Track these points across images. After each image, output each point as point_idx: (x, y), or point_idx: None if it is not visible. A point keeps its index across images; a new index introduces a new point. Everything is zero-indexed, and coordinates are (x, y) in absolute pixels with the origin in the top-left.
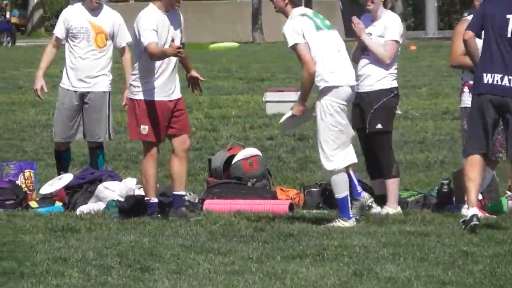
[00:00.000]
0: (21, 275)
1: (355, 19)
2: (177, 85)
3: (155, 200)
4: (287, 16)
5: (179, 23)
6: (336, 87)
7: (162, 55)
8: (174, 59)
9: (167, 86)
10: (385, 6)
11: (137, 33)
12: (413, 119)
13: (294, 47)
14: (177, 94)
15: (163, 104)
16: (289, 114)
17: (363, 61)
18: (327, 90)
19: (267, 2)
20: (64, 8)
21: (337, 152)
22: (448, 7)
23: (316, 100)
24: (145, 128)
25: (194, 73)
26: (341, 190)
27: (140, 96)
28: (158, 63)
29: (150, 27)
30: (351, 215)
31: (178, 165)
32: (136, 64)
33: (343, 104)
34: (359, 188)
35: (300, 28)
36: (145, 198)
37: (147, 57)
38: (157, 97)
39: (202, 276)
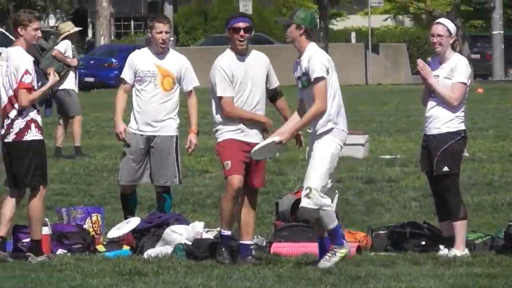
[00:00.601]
0: None
1: (420, 62)
2: (258, 131)
3: (228, 232)
4: (300, 47)
5: (262, 66)
6: (342, 130)
7: (235, 116)
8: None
9: (248, 128)
10: (453, 48)
11: (213, 82)
12: (480, 161)
13: (320, 79)
14: (256, 139)
15: (241, 144)
16: (269, 141)
17: (431, 103)
18: (335, 131)
19: (333, 46)
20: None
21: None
22: None
23: (316, 138)
24: (228, 164)
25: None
26: (333, 220)
27: (222, 138)
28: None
29: (225, 79)
30: (343, 241)
31: (246, 214)
32: (215, 110)
33: (342, 147)
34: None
35: (328, 64)
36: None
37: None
38: (236, 137)
39: None
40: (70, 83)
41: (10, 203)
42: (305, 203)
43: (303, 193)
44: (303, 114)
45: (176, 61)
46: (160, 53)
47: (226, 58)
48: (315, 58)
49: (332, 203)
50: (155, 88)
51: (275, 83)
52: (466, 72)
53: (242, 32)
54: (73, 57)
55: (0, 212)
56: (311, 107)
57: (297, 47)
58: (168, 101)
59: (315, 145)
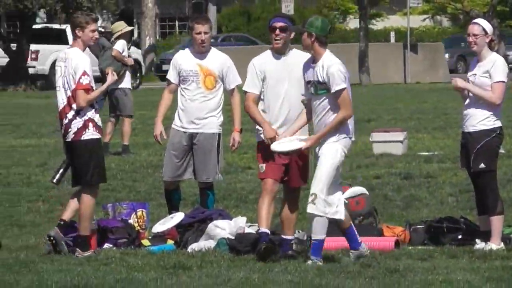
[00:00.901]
0: None
1: (454, 80)
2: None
3: (265, 230)
4: (315, 54)
5: (301, 64)
6: (349, 138)
7: (249, 113)
8: (287, 110)
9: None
10: (491, 48)
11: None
12: None
13: (342, 91)
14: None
15: None
16: (297, 146)
17: (467, 102)
18: (342, 139)
19: (373, 46)
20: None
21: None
22: None
23: (324, 141)
24: (262, 167)
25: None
26: (323, 232)
27: (259, 139)
28: (275, 110)
29: (254, 75)
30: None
31: (288, 210)
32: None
33: (346, 154)
34: (359, 239)
35: (345, 72)
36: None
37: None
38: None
39: None
40: (126, 82)
41: (78, 196)
42: (310, 209)
43: (309, 198)
44: (304, 119)
45: (218, 60)
46: (202, 53)
47: (262, 56)
48: (334, 70)
49: (339, 199)
50: (197, 87)
51: None
52: (503, 71)
53: (277, 31)
54: (128, 56)
55: (69, 200)
56: (338, 114)
57: (312, 54)
58: (211, 99)
59: (323, 150)
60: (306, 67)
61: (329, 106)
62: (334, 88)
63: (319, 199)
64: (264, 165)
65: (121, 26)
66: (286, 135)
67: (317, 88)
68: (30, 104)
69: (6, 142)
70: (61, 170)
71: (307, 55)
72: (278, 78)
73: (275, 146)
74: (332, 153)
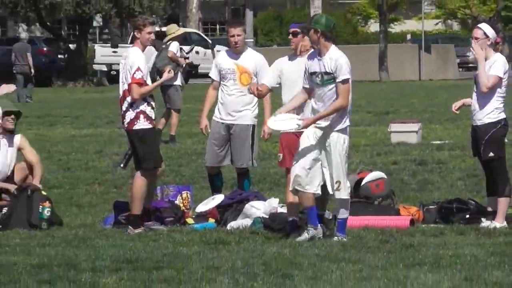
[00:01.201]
0: (179, 281)
1: (475, 46)
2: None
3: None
4: (321, 48)
5: (321, 65)
6: (349, 127)
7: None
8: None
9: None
10: (495, 49)
11: None
12: None
13: (347, 81)
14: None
15: (293, 136)
16: (292, 126)
17: (474, 97)
18: (347, 129)
19: (391, 47)
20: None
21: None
22: None
23: (330, 131)
24: (280, 156)
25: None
26: (346, 212)
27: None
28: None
29: (272, 70)
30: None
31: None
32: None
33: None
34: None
35: (349, 66)
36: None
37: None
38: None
39: (335, 282)
40: (178, 80)
41: (142, 181)
42: (339, 195)
43: (335, 186)
44: (300, 100)
45: (253, 59)
46: (238, 53)
47: (283, 57)
48: (343, 61)
49: (317, 185)
50: (234, 83)
51: None
52: (502, 68)
53: (290, 36)
54: (180, 57)
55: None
56: (336, 101)
57: (319, 48)
58: (246, 94)
59: (331, 141)
60: (311, 59)
61: (334, 96)
62: (341, 78)
63: (343, 184)
64: (281, 154)
65: (174, 29)
66: (282, 112)
67: (323, 78)
68: (87, 99)
69: (67, 132)
70: (126, 156)
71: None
72: (293, 78)
73: (271, 124)
74: (340, 144)
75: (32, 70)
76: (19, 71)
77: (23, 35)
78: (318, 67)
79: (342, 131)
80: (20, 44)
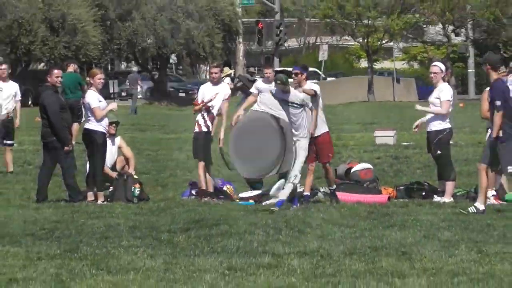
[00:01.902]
0: (231, 234)
1: (418, 107)
2: (318, 126)
3: (307, 193)
4: (301, 85)
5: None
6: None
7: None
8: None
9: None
10: (445, 80)
11: None
12: (460, 146)
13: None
14: (318, 132)
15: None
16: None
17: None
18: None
19: (376, 77)
20: None
21: None
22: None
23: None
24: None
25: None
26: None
27: None
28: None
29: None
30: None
31: (325, 175)
32: None
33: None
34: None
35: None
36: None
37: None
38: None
39: (337, 239)
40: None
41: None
42: (295, 182)
43: (291, 179)
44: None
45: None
46: (269, 82)
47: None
48: (316, 88)
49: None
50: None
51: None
52: (449, 93)
53: (294, 76)
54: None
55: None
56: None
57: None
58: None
59: (300, 144)
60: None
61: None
62: (310, 105)
63: (298, 177)
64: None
65: (229, 70)
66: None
67: (295, 106)
68: (170, 114)
69: (155, 136)
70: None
71: (310, 85)
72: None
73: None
74: (305, 147)
75: (143, 90)
76: (133, 93)
77: (134, 68)
78: (291, 97)
79: (307, 137)
80: (133, 74)
